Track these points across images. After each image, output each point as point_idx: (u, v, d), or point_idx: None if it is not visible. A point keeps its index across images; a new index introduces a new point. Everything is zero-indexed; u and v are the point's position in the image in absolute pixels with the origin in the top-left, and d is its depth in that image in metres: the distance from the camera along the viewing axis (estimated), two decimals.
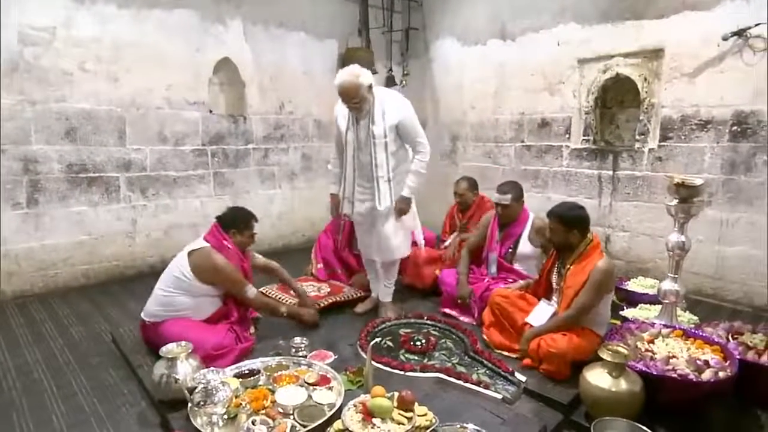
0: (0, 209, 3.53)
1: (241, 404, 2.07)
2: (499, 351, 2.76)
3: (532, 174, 4.82)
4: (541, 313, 2.69)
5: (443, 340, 2.93)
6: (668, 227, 2.95)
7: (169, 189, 4.34)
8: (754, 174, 3.46)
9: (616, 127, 4.32)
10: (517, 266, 3.34)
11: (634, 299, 3.38)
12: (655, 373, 2.14)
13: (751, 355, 2.31)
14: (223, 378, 2.12)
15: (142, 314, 2.74)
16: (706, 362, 2.19)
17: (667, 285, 2.83)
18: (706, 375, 2.11)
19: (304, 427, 1.98)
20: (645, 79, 3.91)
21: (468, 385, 2.40)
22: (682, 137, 3.78)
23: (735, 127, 3.52)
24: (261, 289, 3.25)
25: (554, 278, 2.74)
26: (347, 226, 3.69)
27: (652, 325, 2.64)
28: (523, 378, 2.42)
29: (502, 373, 2.50)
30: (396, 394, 2.05)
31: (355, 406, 2.03)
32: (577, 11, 4.29)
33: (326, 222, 4.01)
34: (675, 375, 2.13)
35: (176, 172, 4.36)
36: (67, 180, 3.79)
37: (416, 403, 2.04)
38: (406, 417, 1.96)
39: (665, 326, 2.61)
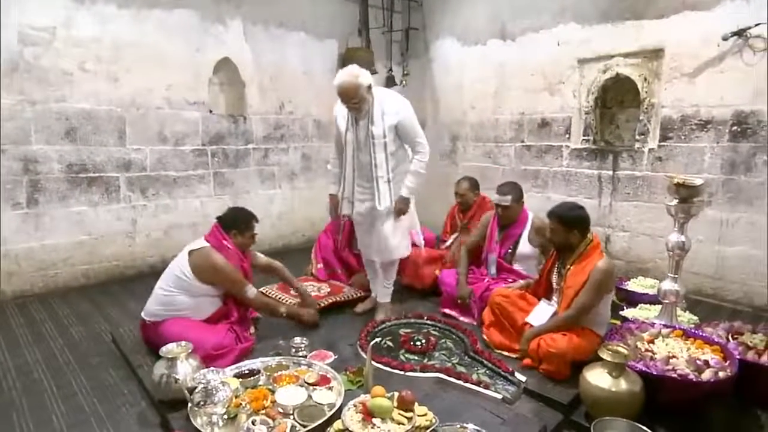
0: (0, 209, 3.53)
1: (241, 404, 2.07)
2: (499, 351, 2.76)
3: (532, 174, 4.82)
4: (541, 313, 2.69)
5: (443, 340, 2.93)
6: (668, 227, 2.95)
7: (169, 189, 4.34)
8: (754, 174, 3.46)
9: (616, 127, 4.32)
10: (516, 266, 3.34)
11: (634, 299, 3.38)
12: (655, 373, 2.14)
13: (751, 355, 2.31)
14: (223, 378, 2.12)
15: (142, 313, 2.74)
16: (706, 362, 2.19)
17: (667, 285, 2.83)
18: (706, 375, 2.11)
19: (304, 427, 1.98)
20: (645, 79, 3.91)
21: (468, 385, 2.40)
22: (682, 137, 3.78)
23: (735, 127, 3.52)
24: (261, 289, 3.26)
25: (554, 278, 2.74)
26: (347, 226, 3.69)
27: (652, 325, 2.64)
28: (523, 378, 2.42)
29: (502, 373, 2.50)
30: (396, 394, 2.05)
31: (355, 406, 2.03)
32: (577, 11, 4.29)
33: (326, 222, 4.01)
34: (675, 375, 2.13)
35: (176, 172, 4.36)
36: (67, 180, 3.80)
37: (416, 403, 2.04)
38: (406, 417, 1.96)
39: (665, 326, 2.61)
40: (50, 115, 3.66)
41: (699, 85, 3.65)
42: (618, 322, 2.86)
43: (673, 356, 2.29)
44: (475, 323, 3.15)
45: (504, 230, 3.37)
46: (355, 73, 2.76)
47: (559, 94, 4.53)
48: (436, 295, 3.55)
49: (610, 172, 4.23)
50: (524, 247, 3.33)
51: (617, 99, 4.25)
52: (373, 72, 5.15)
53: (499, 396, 2.30)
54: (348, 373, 2.47)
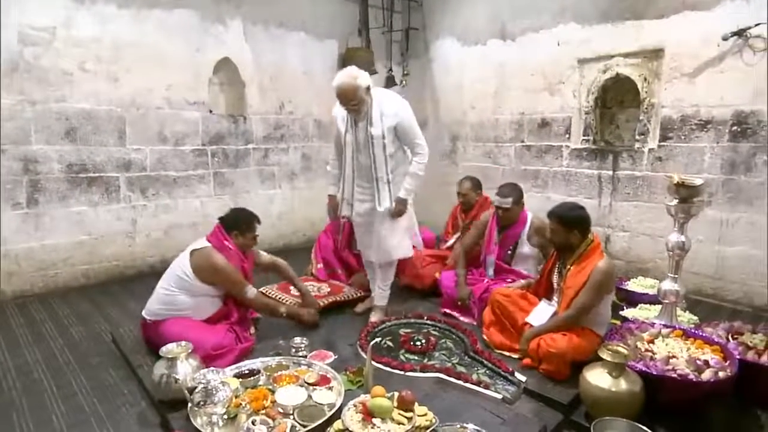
0: (0, 209, 3.53)
1: (241, 404, 2.07)
2: (499, 351, 2.76)
3: (532, 174, 4.82)
4: (541, 313, 2.69)
5: (443, 340, 2.93)
6: (668, 227, 2.95)
7: (169, 189, 4.34)
8: (754, 174, 3.46)
9: (616, 127, 4.32)
10: (516, 266, 3.34)
11: (634, 299, 3.38)
12: (655, 373, 2.14)
13: (751, 355, 2.31)
14: (223, 378, 2.12)
15: (143, 312, 2.75)
16: (706, 362, 2.19)
17: (667, 285, 2.83)
18: (706, 375, 2.11)
19: (304, 427, 1.98)
20: (645, 79, 3.91)
21: (468, 385, 2.40)
22: (682, 137, 3.78)
23: (735, 127, 3.52)
24: (261, 289, 3.26)
25: (555, 278, 2.74)
26: (347, 226, 3.69)
27: (652, 325, 2.64)
28: (523, 378, 2.42)
29: (502, 373, 2.50)
30: (396, 394, 2.05)
31: (355, 406, 2.03)
32: (577, 11, 4.29)
33: (326, 222, 4.01)
34: (675, 375, 2.13)
35: (176, 172, 4.36)
36: (67, 180, 3.79)
37: (416, 403, 2.04)
38: (406, 417, 1.96)
39: (665, 326, 2.61)
40: (50, 115, 3.66)
41: (699, 85, 3.65)
42: (618, 322, 2.86)
43: (673, 356, 2.29)
44: (475, 323, 3.15)
45: (504, 231, 3.37)
46: (354, 75, 2.75)
47: (559, 94, 4.53)
48: (436, 296, 3.55)
49: (610, 172, 4.23)
50: (524, 247, 3.33)
51: (617, 99, 4.25)
52: (373, 72, 5.16)
53: (499, 396, 2.30)
54: (348, 373, 2.47)
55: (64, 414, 2.22)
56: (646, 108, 3.93)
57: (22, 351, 2.84)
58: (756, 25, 3.29)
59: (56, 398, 2.35)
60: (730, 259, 3.63)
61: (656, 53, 3.83)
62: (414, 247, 3.41)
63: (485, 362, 2.62)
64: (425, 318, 3.20)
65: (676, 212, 2.75)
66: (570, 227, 2.56)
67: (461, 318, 3.25)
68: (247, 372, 2.36)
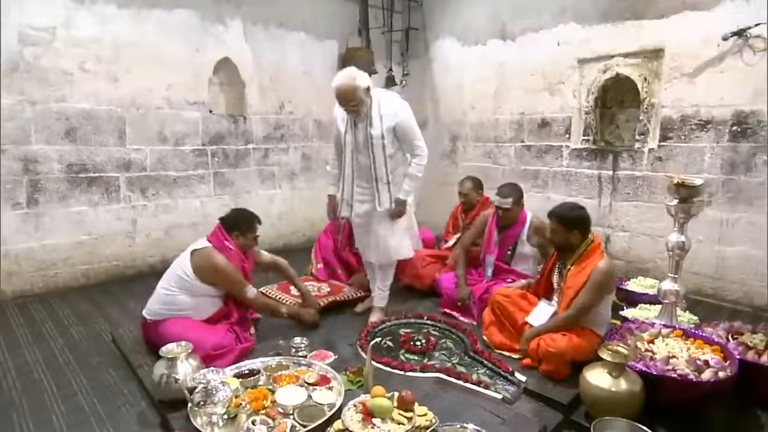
0: (0, 209, 3.53)
1: (241, 404, 2.07)
2: (499, 351, 2.76)
3: (532, 174, 4.82)
4: (541, 313, 2.69)
5: (443, 340, 2.93)
6: (668, 227, 2.95)
7: (169, 189, 4.34)
8: (754, 174, 3.46)
9: (616, 127, 4.32)
10: (515, 266, 3.34)
11: (634, 299, 3.38)
12: (655, 373, 2.14)
13: (751, 355, 2.31)
14: (223, 378, 2.12)
15: (143, 312, 2.75)
16: (706, 362, 2.19)
17: (667, 285, 2.83)
18: (706, 375, 2.11)
19: (304, 427, 1.98)
20: (645, 79, 3.91)
21: (468, 385, 2.40)
22: (682, 137, 3.78)
23: (735, 127, 3.52)
24: (261, 289, 3.25)
25: (555, 278, 2.74)
26: (347, 226, 3.69)
27: (652, 325, 2.64)
28: (523, 378, 2.42)
29: (502, 373, 2.50)
30: (396, 394, 2.05)
31: (355, 406, 2.03)
32: (577, 11, 4.29)
33: (326, 222, 4.01)
34: (675, 375, 2.13)
35: (176, 172, 4.36)
36: (67, 180, 3.79)
37: (416, 403, 2.04)
38: (406, 417, 1.96)
39: (665, 326, 2.61)
40: (50, 115, 3.66)
41: (699, 85, 3.64)
42: (618, 322, 2.86)
43: (673, 356, 2.29)
44: (475, 323, 3.15)
45: (503, 231, 3.36)
46: (353, 76, 2.74)
47: (559, 94, 4.52)
48: (436, 296, 3.55)
49: (610, 172, 4.23)
50: (523, 247, 3.33)
51: (617, 99, 4.25)
52: (373, 72, 5.16)
53: (499, 396, 2.30)
54: (348, 373, 2.47)
55: (64, 414, 2.22)
56: (646, 108, 3.93)
57: (22, 351, 2.84)
58: (756, 25, 3.29)
59: (56, 398, 2.35)
60: (730, 259, 3.63)
61: (656, 53, 3.83)
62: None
63: (485, 362, 2.62)
64: (425, 318, 3.20)
65: (676, 212, 2.75)
66: (570, 227, 2.56)
67: (461, 318, 3.25)
68: (247, 372, 2.36)
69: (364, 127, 2.87)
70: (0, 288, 3.58)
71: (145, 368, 2.49)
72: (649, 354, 2.35)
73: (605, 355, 2.12)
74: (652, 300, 3.20)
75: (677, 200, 2.72)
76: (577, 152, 4.46)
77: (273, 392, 2.18)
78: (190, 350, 2.27)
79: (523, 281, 3.16)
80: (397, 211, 2.98)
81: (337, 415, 2.04)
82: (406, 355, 2.75)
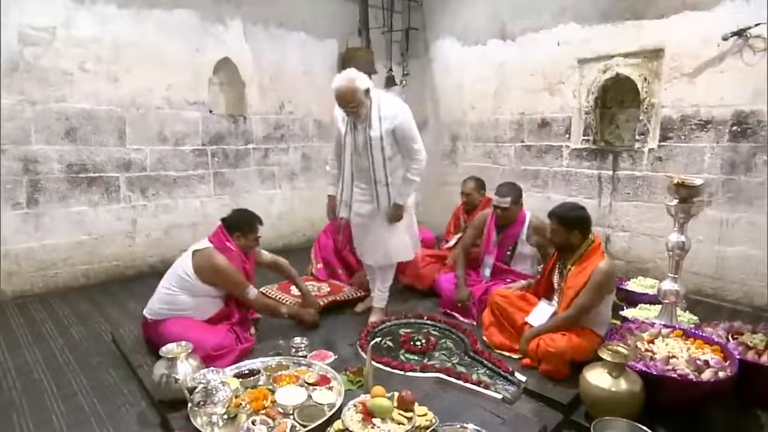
0: (0, 209, 3.53)
1: (241, 404, 2.07)
2: (499, 351, 2.76)
3: (532, 174, 4.82)
4: (541, 313, 2.69)
5: (443, 340, 2.93)
6: (668, 227, 2.95)
7: (169, 189, 4.34)
8: (754, 174, 3.46)
9: (616, 127, 4.32)
10: (515, 266, 3.34)
11: (634, 299, 3.38)
12: (655, 373, 2.14)
13: (751, 355, 2.31)
14: (223, 378, 2.12)
15: (144, 311, 2.75)
16: (706, 362, 2.19)
17: (667, 285, 2.83)
18: (706, 375, 2.11)
19: (304, 427, 1.98)
20: (645, 79, 3.91)
21: (468, 385, 2.40)
22: (682, 137, 3.78)
23: (735, 127, 3.52)
24: (261, 290, 3.25)
25: (555, 278, 2.74)
26: (347, 226, 3.68)
27: (652, 325, 2.64)
28: (523, 378, 2.42)
29: (502, 373, 2.50)
30: (396, 394, 2.05)
31: (355, 406, 2.03)
32: (577, 11, 4.29)
33: (326, 222, 4.01)
34: (675, 375, 2.13)
35: (176, 172, 4.36)
36: (67, 180, 3.79)
37: (416, 403, 2.04)
38: (406, 417, 1.96)
39: (665, 326, 2.61)
40: (50, 115, 3.66)
41: (699, 85, 3.64)
42: (618, 322, 2.86)
43: (673, 356, 2.29)
44: (475, 324, 3.15)
45: (502, 231, 3.36)
46: (352, 77, 2.73)
47: (559, 94, 4.52)
48: (436, 296, 3.55)
49: (610, 172, 4.23)
50: (523, 247, 3.33)
51: (617, 99, 4.25)
52: (373, 72, 5.16)
53: (499, 396, 2.30)
54: (348, 373, 2.47)
55: (64, 414, 2.23)
56: (646, 108, 3.93)
57: (22, 351, 2.84)
58: (756, 25, 3.28)
59: (56, 398, 2.35)
60: (730, 259, 3.63)
61: (656, 53, 3.83)
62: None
63: (485, 362, 2.62)
64: (425, 318, 3.20)
65: (676, 212, 2.75)
66: (570, 227, 2.56)
67: (461, 318, 3.25)
68: (247, 372, 2.36)
69: (364, 128, 2.86)
70: (0, 288, 3.58)
71: (145, 368, 2.49)
72: (649, 354, 2.35)
73: (605, 355, 2.12)
74: (652, 300, 3.20)
75: (677, 200, 2.72)
76: (577, 152, 4.46)
77: (273, 392, 2.18)
78: (190, 350, 2.27)
79: (523, 282, 3.15)
80: (396, 215, 2.97)
81: (337, 415, 2.04)
82: (406, 355, 2.75)
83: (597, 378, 2.11)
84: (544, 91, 4.63)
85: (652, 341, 2.47)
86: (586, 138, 4.38)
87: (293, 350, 2.66)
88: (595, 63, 4.21)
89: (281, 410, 2.08)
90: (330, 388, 2.27)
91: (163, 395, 2.20)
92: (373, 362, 2.41)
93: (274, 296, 3.44)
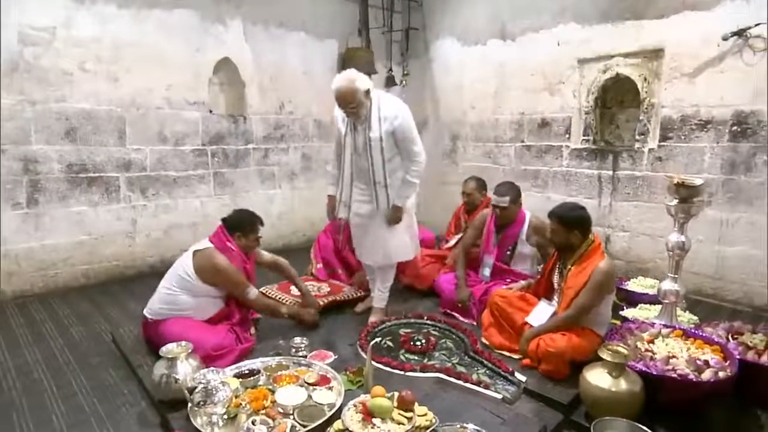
0: (0, 209, 3.53)
1: (241, 404, 2.07)
2: (499, 351, 2.76)
3: (532, 174, 4.82)
4: (541, 313, 2.69)
5: (443, 340, 2.93)
6: (668, 227, 2.95)
7: (169, 189, 4.34)
8: (754, 174, 3.46)
9: (616, 127, 4.32)
10: (515, 267, 3.34)
11: (634, 299, 3.38)
12: (655, 373, 2.14)
13: (751, 355, 2.31)
14: (223, 378, 2.12)
15: (144, 311, 2.75)
16: (706, 362, 2.19)
17: (667, 285, 2.83)
18: (706, 375, 2.11)
19: (304, 427, 1.98)
20: (645, 79, 3.91)
21: (468, 385, 2.40)
22: (682, 137, 3.78)
23: (735, 127, 3.52)
24: (261, 289, 3.25)
25: (555, 278, 2.73)
26: (347, 226, 3.68)
27: (652, 325, 2.64)
28: (523, 378, 2.42)
29: (502, 373, 2.50)
30: (396, 394, 2.05)
31: (355, 406, 2.03)
32: (577, 11, 4.29)
33: (326, 222, 4.01)
34: (675, 375, 2.13)
35: (176, 172, 4.36)
36: (67, 180, 3.79)
37: (416, 403, 2.04)
38: (406, 417, 1.96)
39: (665, 326, 2.61)
40: (50, 115, 3.66)
41: (699, 85, 3.64)
42: (618, 322, 2.86)
43: (673, 356, 2.29)
44: (475, 324, 3.14)
45: (502, 231, 3.36)
46: (353, 78, 2.72)
47: (559, 94, 4.52)
48: (437, 296, 3.55)
49: (610, 172, 4.23)
50: (523, 247, 3.33)
51: (617, 99, 4.25)
52: (373, 72, 5.16)
53: (499, 396, 2.30)
54: (348, 373, 2.47)
55: (64, 414, 2.23)
56: (646, 108, 3.93)
57: (22, 351, 2.84)
58: (756, 25, 3.28)
59: (56, 398, 2.35)
60: (730, 259, 3.63)
61: (656, 53, 3.83)
62: None
63: (485, 362, 2.62)
64: (425, 318, 3.20)
65: (676, 212, 2.75)
66: (570, 227, 2.56)
67: (461, 318, 3.25)
68: (247, 372, 2.36)
69: (364, 129, 2.86)
70: (0, 288, 3.58)
71: (145, 368, 2.49)
72: (649, 354, 2.35)
73: (605, 355, 2.12)
74: (652, 300, 3.20)
75: (677, 200, 2.72)
76: (577, 152, 4.46)
77: (273, 392, 2.18)
78: (190, 350, 2.27)
79: (523, 282, 3.15)
80: (395, 217, 2.96)
81: (337, 415, 2.04)
82: (406, 355, 2.75)
83: (597, 378, 2.11)
84: (544, 91, 4.63)
85: (652, 341, 2.47)
86: (586, 138, 4.38)
87: (293, 350, 2.66)
88: (595, 63, 4.21)
89: (281, 410, 2.08)
90: (330, 388, 2.27)
91: (163, 395, 2.20)
92: (373, 362, 2.41)
93: (274, 296, 3.44)
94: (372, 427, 1.90)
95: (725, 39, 3.41)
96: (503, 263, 3.36)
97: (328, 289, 3.63)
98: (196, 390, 2.05)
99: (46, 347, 2.89)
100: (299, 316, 3.06)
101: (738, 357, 2.25)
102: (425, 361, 2.67)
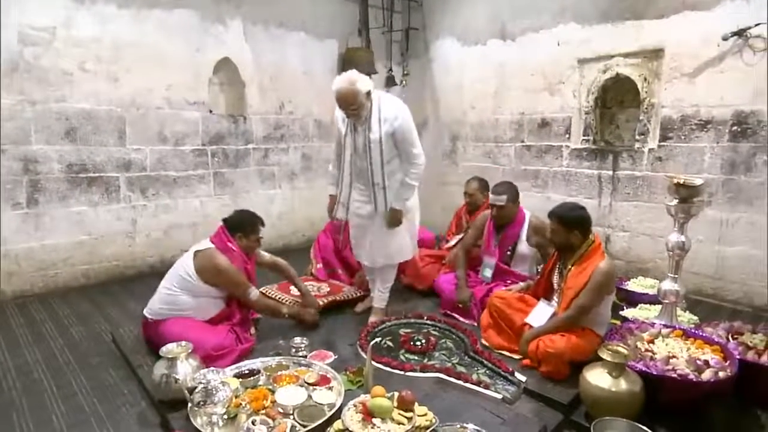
0: (0, 209, 3.53)
1: (241, 404, 2.07)
2: (499, 351, 2.76)
3: (532, 174, 4.82)
4: (540, 314, 2.69)
5: (443, 340, 2.93)
6: (668, 227, 2.95)
7: (169, 189, 4.34)
8: (754, 174, 3.46)
9: (616, 127, 4.32)
10: (515, 267, 3.33)
11: (634, 299, 3.38)
12: (655, 373, 2.14)
13: (751, 355, 2.31)
14: (223, 378, 2.12)
15: (144, 311, 2.75)
16: (706, 362, 2.19)
17: (667, 285, 2.83)
18: (706, 375, 2.11)
19: (304, 427, 1.98)
20: (645, 79, 3.91)
21: (468, 385, 2.40)
22: (682, 137, 3.78)
23: (735, 127, 3.52)
24: (261, 290, 3.25)
25: (555, 279, 2.73)
26: (347, 226, 3.68)
27: (652, 325, 2.64)
28: (523, 378, 2.42)
29: (502, 373, 2.50)
30: (396, 394, 2.05)
31: (355, 406, 2.03)
32: (577, 11, 4.29)
33: (326, 222, 4.01)
34: (675, 375, 2.13)
35: (176, 172, 4.36)
36: (67, 180, 3.79)
37: (416, 403, 2.04)
38: (406, 417, 1.96)
39: (665, 326, 2.61)
40: (50, 115, 3.66)
41: (699, 85, 3.64)
42: (618, 322, 2.86)
43: (673, 356, 2.29)
44: (475, 324, 3.14)
45: (502, 231, 3.36)
46: (353, 79, 2.71)
47: (559, 94, 4.52)
48: (437, 296, 3.54)
49: (610, 172, 4.23)
50: (523, 247, 3.33)
51: (617, 99, 4.25)
52: (373, 72, 5.16)
53: (499, 396, 2.30)
54: (348, 373, 2.47)
55: (64, 414, 2.23)
56: (646, 108, 3.93)
57: (22, 351, 2.84)
58: (756, 25, 3.28)
59: (56, 398, 2.35)
60: (730, 259, 3.63)
61: (656, 53, 3.83)
62: None
63: (485, 362, 2.62)
64: (425, 318, 3.20)
65: (676, 212, 2.75)
66: (570, 227, 2.56)
67: (461, 319, 3.25)
68: (247, 372, 2.36)
69: (364, 130, 2.85)
70: (0, 288, 3.58)
71: (145, 368, 2.49)
72: (649, 354, 2.35)
73: (605, 355, 2.12)
74: (652, 300, 3.20)
75: (677, 200, 2.72)
76: (577, 152, 4.46)
77: (273, 392, 2.18)
78: (190, 350, 2.27)
79: (522, 284, 3.14)
80: (394, 220, 2.96)
81: (337, 415, 2.04)
82: (406, 355, 2.75)
83: (597, 378, 2.11)
84: (544, 91, 4.63)
85: (652, 341, 2.47)
86: (586, 138, 4.38)
87: (293, 350, 2.66)
88: (595, 63, 4.21)
89: (281, 410, 2.08)
90: (330, 388, 2.27)
91: (163, 395, 2.20)
92: (373, 362, 2.41)
93: (273, 296, 3.44)
94: (372, 427, 1.90)
95: (725, 39, 3.41)
96: (504, 264, 3.36)
97: (328, 289, 3.63)
98: (196, 390, 2.05)
99: (46, 347, 2.89)
100: (299, 316, 3.06)
101: (738, 357, 2.25)
102: (425, 361, 2.67)
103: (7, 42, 3.41)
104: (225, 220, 2.89)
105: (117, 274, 4.11)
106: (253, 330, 2.96)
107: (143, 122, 4.10)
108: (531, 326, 2.65)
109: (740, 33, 3.35)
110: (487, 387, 2.36)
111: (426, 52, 5.75)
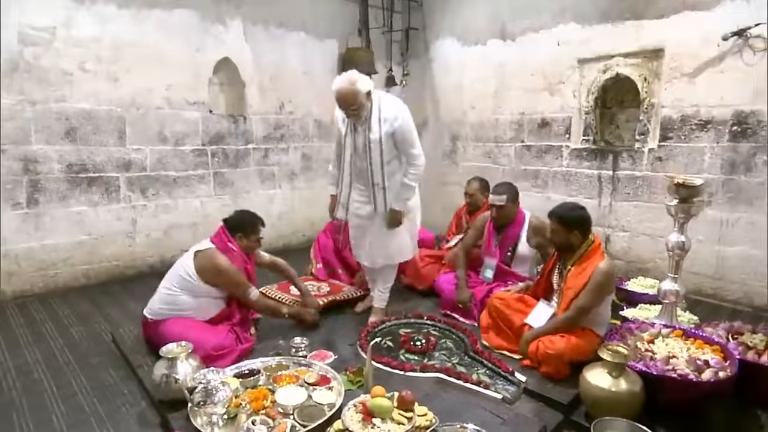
0: (0, 209, 3.53)
1: (241, 404, 2.07)
2: (499, 351, 2.76)
3: (532, 174, 4.82)
4: (540, 314, 2.68)
5: (443, 340, 2.93)
6: (668, 227, 2.95)
7: (169, 189, 4.34)
8: (754, 174, 3.46)
9: (616, 127, 4.32)
10: (515, 268, 3.33)
11: (634, 299, 3.38)
12: (655, 373, 2.14)
13: (751, 355, 2.31)
14: (223, 378, 2.12)
15: (144, 311, 2.75)
16: (706, 362, 2.19)
17: (667, 285, 2.83)
18: (706, 375, 2.11)
19: (304, 427, 1.98)
20: (645, 79, 3.91)
21: (468, 385, 2.40)
22: (682, 137, 3.78)
23: (735, 127, 3.52)
24: (261, 289, 3.25)
25: (555, 279, 2.73)
26: (347, 226, 3.68)
27: (652, 325, 2.64)
28: (523, 378, 2.42)
29: (502, 373, 2.50)
30: (396, 394, 2.05)
31: (355, 406, 2.03)
32: (577, 11, 4.29)
33: (326, 222, 4.01)
34: (675, 375, 2.13)
35: (176, 172, 4.36)
36: (67, 180, 3.79)
37: (416, 403, 2.04)
38: (406, 417, 1.96)
39: (665, 326, 2.61)
40: (50, 115, 3.66)
41: (699, 85, 3.64)
42: (618, 322, 2.86)
43: (673, 356, 2.29)
44: (475, 324, 3.14)
45: (502, 232, 3.36)
46: (353, 80, 2.71)
47: (559, 94, 4.52)
48: (437, 296, 3.54)
49: (610, 172, 4.23)
50: (523, 247, 3.33)
51: (617, 99, 4.25)
52: (373, 72, 5.16)
53: (499, 396, 2.30)
54: (348, 373, 2.47)
55: (64, 414, 2.23)
56: (646, 108, 3.93)
57: (22, 351, 2.84)
58: (756, 25, 3.28)
59: (56, 398, 2.35)
60: (730, 259, 3.63)
61: (656, 53, 3.83)
62: None
63: (485, 362, 2.62)
64: (425, 318, 3.20)
65: (676, 212, 2.75)
66: (570, 227, 2.56)
67: (461, 319, 3.25)
68: (247, 372, 2.36)
69: (364, 130, 2.85)
70: (0, 288, 3.58)
71: (145, 368, 2.49)
72: (649, 354, 2.35)
73: (605, 355, 2.12)
74: (652, 300, 3.20)
75: (677, 200, 2.72)
76: (577, 152, 4.46)
77: (273, 392, 2.18)
78: (190, 350, 2.27)
79: (521, 284, 3.14)
80: (394, 220, 2.96)
81: (337, 415, 2.04)
82: (406, 355, 2.75)
83: (597, 378, 2.11)
84: (544, 91, 4.63)
85: (652, 341, 2.47)
86: (586, 138, 4.38)
87: (293, 350, 2.66)
88: (595, 63, 4.21)
89: (281, 410, 2.08)
90: (330, 388, 2.27)
91: (163, 395, 2.20)
92: (373, 362, 2.41)
93: (273, 296, 3.44)
94: (372, 427, 1.90)
95: (725, 39, 3.41)
96: (504, 264, 3.36)
97: (328, 288, 3.63)
98: (196, 390, 2.05)
99: (46, 347, 2.89)
100: (299, 316, 3.06)
101: (738, 357, 2.25)
102: (425, 361, 2.67)
103: (7, 42, 3.41)
104: (225, 221, 2.89)
105: (117, 274, 4.11)
106: (253, 330, 2.96)
107: (143, 122, 4.10)
108: (531, 327, 2.65)
109: (740, 33, 3.35)
110: (487, 387, 2.36)
111: (426, 52, 5.75)
